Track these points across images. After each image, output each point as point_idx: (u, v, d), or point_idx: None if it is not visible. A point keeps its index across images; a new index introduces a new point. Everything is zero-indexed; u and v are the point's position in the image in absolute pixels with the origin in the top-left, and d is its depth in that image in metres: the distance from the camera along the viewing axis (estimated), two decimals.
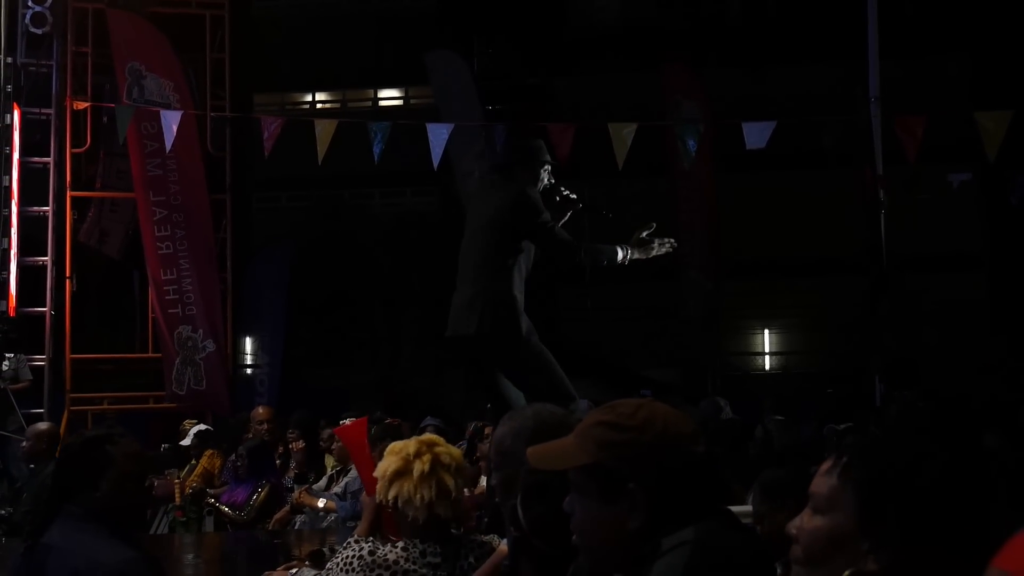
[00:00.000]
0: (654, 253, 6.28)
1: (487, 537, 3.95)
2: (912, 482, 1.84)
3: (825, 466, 1.96)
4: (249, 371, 17.35)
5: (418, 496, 3.76)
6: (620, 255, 6.18)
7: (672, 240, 6.42)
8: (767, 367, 24.22)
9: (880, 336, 12.14)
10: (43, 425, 9.29)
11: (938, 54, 20.52)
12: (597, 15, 23.08)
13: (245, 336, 17.01)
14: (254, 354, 17.01)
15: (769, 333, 24.13)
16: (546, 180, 6.26)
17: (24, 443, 8.89)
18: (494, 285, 5.92)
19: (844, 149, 11.75)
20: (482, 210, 6.15)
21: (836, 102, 14.37)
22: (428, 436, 4.01)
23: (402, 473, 3.80)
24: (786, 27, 21.22)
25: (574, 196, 6.32)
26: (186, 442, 9.98)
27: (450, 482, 3.84)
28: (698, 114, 15.43)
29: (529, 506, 2.73)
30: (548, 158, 6.32)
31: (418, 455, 3.83)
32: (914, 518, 1.82)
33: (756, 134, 10.85)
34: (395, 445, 3.91)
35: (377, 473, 3.87)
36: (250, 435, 9.64)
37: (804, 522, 1.97)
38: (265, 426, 9.63)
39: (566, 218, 6.38)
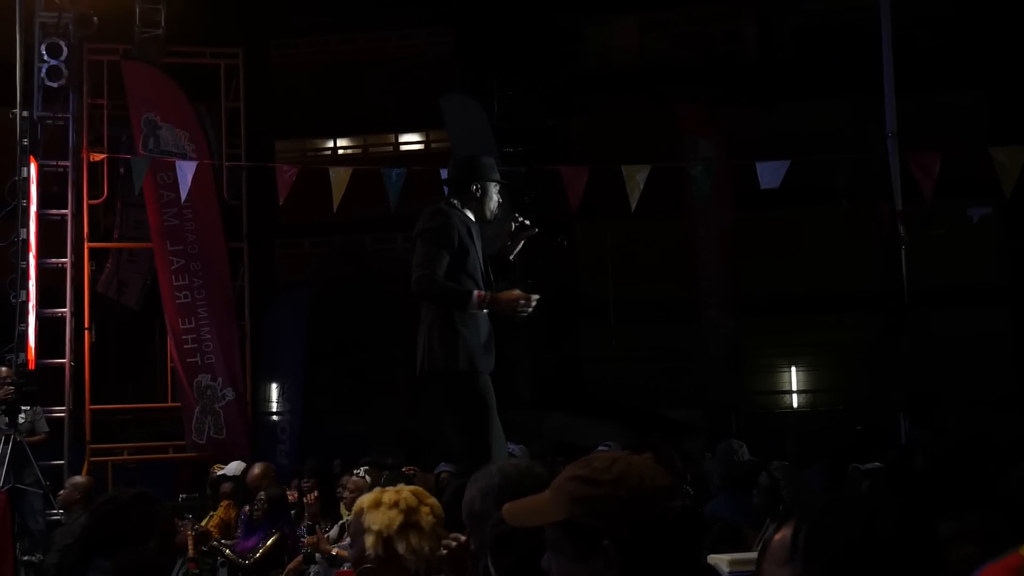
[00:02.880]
0: (521, 310, 5.59)
1: None
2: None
3: (777, 551, 1.74)
4: (274, 418, 17.33)
5: (426, 547, 3.72)
6: (474, 298, 5.58)
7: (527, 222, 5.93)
8: (794, 404, 24.03)
9: (902, 372, 12.03)
10: (80, 478, 9.87)
11: (953, 89, 20.44)
12: (614, 56, 23.13)
13: (268, 383, 16.99)
14: (276, 401, 16.99)
15: (796, 370, 23.95)
16: (496, 199, 6.00)
17: (62, 490, 9.45)
18: (432, 316, 5.68)
19: (859, 185, 11.67)
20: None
21: (851, 138, 14.32)
22: (411, 487, 3.95)
23: (407, 526, 3.74)
24: (801, 64, 21.22)
25: (528, 222, 6.06)
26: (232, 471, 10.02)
27: (443, 533, 3.80)
28: (713, 152, 15.42)
29: (499, 560, 2.68)
30: (496, 176, 6.03)
31: (419, 506, 3.78)
32: None
33: (770, 173, 10.80)
34: (381, 498, 3.81)
35: (379, 527, 3.78)
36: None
37: None
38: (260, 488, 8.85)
39: (520, 246, 6.06)
